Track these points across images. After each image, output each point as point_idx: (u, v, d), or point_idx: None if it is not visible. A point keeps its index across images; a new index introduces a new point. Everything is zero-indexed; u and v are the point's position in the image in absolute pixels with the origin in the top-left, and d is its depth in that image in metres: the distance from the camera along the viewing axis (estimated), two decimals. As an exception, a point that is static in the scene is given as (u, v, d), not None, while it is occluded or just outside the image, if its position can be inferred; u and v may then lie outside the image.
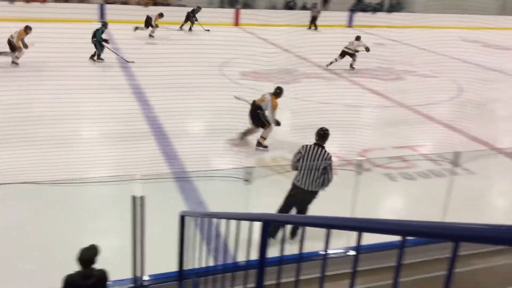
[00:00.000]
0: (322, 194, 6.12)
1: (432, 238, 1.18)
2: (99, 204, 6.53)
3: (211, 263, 3.79)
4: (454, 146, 8.22)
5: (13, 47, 13.18)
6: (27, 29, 13.26)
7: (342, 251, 4.66)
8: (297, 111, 10.46)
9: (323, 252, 1.94)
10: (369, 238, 1.59)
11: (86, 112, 9.71)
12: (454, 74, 14.49)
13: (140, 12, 20.88)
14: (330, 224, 1.67)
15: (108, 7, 22.76)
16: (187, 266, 4.18)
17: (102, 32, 14.51)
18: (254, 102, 8.50)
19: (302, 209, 5.54)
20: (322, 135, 5.59)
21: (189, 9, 21.80)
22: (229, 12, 24.96)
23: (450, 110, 11.52)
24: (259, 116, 8.38)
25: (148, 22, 19.28)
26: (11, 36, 13.11)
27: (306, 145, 5.55)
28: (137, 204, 4.01)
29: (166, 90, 9.19)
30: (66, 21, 17.63)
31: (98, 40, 14.32)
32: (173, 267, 4.39)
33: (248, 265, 2.70)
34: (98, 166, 7.44)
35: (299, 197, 5.41)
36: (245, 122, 8.57)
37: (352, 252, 4.59)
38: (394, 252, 1.56)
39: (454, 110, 11.51)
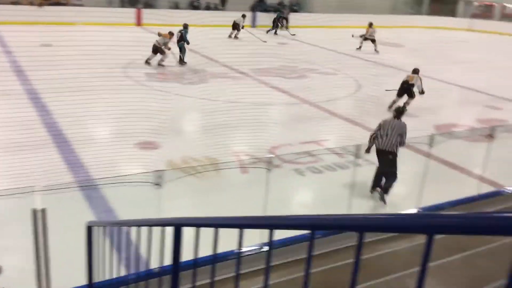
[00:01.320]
0: (234, 194, 6.16)
1: (338, 230, 1.23)
2: (-4, 220, 6.01)
3: (123, 272, 3.65)
4: (355, 139, 8.68)
5: (158, 51, 14.52)
6: (171, 34, 14.70)
7: (256, 247, 4.72)
8: (206, 111, 10.45)
9: (237, 251, 1.94)
10: (281, 233, 1.62)
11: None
12: (352, 71, 15.32)
13: (34, 13, 19.57)
14: (242, 224, 1.67)
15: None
16: (98, 278, 3.99)
17: (186, 33, 15.35)
18: (406, 81, 11.36)
19: (389, 172, 6.68)
20: (400, 112, 6.87)
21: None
22: (130, 12, 24.23)
23: (351, 106, 12.16)
24: (411, 90, 11.28)
25: (236, 26, 20.70)
26: (157, 41, 14.52)
27: (386, 119, 6.88)
28: (38, 218, 3.75)
29: (67, 94, 8.71)
30: None
31: (187, 42, 15.11)
32: (82, 280, 4.17)
33: (162, 271, 2.64)
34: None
35: (383, 160, 6.68)
36: (152, 126, 8.38)
37: (265, 248, 4.67)
38: (305, 244, 1.60)
39: (354, 105, 12.17)
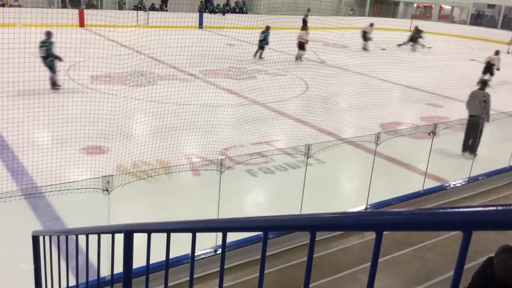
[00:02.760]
0: (187, 197, 6.10)
1: (291, 230, 1.24)
2: None
3: (72, 282, 3.53)
4: (305, 138, 8.82)
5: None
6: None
7: (210, 250, 4.70)
8: (155, 114, 10.29)
9: (191, 255, 1.92)
10: (235, 234, 1.61)
11: None
12: (300, 71, 15.55)
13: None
14: (195, 227, 1.66)
15: None
16: (46, 290, 3.83)
17: (268, 34, 16.83)
18: (488, 62, 15.41)
19: (476, 134, 8.53)
20: (484, 83, 9.06)
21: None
22: (73, 12, 23.48)
23: (300, 106, 12.34)
24: (491, 69, 14.77)
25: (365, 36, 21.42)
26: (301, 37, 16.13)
27: (474, 90, 8.95)
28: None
29: (6, 98, 8.31)
30: None
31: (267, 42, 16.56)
32: (29, 293, 3.99)
33: (114, 279, 2.57)
34: None
35: (471, 123, 8.70)
36: (99, 130, 8.14)
37: (219, 251, 4.66)
38: (259, 245, 1.61)
39: (302, 105, 12.36)
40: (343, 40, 20.36)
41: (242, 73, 15.57)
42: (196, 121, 9.64)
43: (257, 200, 7.55)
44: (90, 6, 25.67)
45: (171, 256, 2.02)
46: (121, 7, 27.45)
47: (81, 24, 23.41)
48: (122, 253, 2.30)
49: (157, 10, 26.50)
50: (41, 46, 11.75)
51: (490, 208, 0.91)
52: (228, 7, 29.38)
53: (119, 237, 2.35)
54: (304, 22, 23.08)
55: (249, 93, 12.86)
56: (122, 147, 8.17)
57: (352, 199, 6.99)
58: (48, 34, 11.97)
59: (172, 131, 9.05)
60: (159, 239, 1.99)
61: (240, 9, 30.04)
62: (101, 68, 12.25)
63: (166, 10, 26.46)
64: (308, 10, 27.62)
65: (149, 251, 2.10)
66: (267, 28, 17.20)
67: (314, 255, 1.33)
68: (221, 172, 5.11)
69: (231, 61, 16.08)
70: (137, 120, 9.86)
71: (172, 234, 1.88)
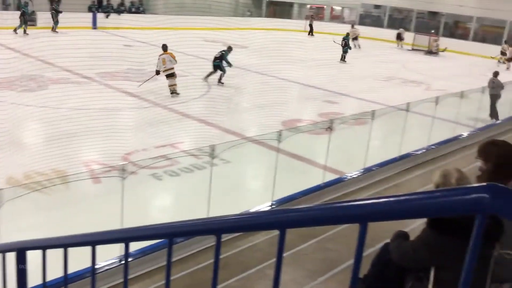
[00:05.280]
0: (88, 207, 5.82)
1: (196, 235, 1.22)
2: None
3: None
4: (210, 139, 8.81)
5: None
6: None
7: (115, 260, 4.51)
8: (48, 120, 9.65)
9: (92, 268, 1.82)
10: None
11: None
12: (201, 72, 15.50)
13: None
14: (95, 240, 1.57)
15: None
16: None
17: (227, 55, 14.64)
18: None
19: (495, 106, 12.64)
20: (497, 73, 12.86)
21: None
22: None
23: (202, 106, 12.30)
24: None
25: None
26: None
27: (492, 77, 12.74)
28: None
29: None
30: None
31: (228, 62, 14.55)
32: None
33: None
34: None
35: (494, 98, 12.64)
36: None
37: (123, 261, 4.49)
38: (166, 251, 1.57)
39: (205, 105, 12.34)
40: (242, 40, 20.67)
41: (142, 75, 15.17)
42: (94, 126, 9.21)
43: (163, 204, 7.40)
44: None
45: (72, 270, 1.90)
46: (6, 7, 25.29)
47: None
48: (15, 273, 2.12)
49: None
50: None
51: (383, 200, 0.97)
52: (123, 7, 28.43)
53: (11, 256, 2.16)
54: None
55: (150, 95, 12.56)
56: (12, 157, 7.57)
57: (258, 197, 7.11)
58: None
59: (68, 138, 8.56)
60: (61, 253, 1.87)
61: (137, 9, 29.23)
62: None
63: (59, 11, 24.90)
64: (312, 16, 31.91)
65: (44, 268, 1.95)
66: (229, 48, 15.16)
67: (223, 255, 1.33)
68: (123, 178, 4.92)
69: (129, 62, 15.59)
70: (28, 127, 9.20)
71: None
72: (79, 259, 2.01)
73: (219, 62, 14.69)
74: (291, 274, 4.24)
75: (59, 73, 14.15)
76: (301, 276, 4.25)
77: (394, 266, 2.86)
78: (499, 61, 26.27)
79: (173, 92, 12.88)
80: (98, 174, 7.15)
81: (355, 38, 27.45)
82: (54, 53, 14.04)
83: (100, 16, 26.27)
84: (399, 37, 30.41)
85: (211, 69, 14.81)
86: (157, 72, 13.10)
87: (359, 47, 26.91)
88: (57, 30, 22.39)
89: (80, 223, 5.48)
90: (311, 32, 31.99)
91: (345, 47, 22.00)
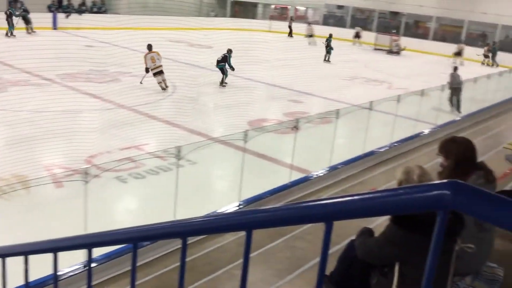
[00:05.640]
0: (50, 212, 5.66)
1: (161, 239, 1.20)
2: None
3: None
4: (176, 140, 8.72)
5: None
6: None
7: (79, 266, 4.40)
8: (7, 124, 9.34)
9: (54, 276, 1.77)
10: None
11: None
12: (167, 72, 15.32)
13: None
14: (56, 247, 1.52)
15: None
16: None
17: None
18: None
19: (459, 96, 13.42)
20: (456, 68, 14.22)
21: None
22: None
23: (168, 107, 12.17)
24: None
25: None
26: None
27: (452, 72, 13.74)
28: None
29: None
30: None
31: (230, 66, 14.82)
32: None
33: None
34: None
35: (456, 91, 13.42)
36: None
37: (93, 265, 4.38)
38: (131, 255, 1.54)
39: (171, 106, 12.21)
40: (207, 40, 20.57)
41: (105, 75, 14.88)
42: (55, 129, 8.96)
43: (129, 208, 7.28)
44: None
45: (34, 277, 1.84)
46: None
47: None
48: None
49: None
50: None
51: (348, 198, 0.97)
52: (84, 7, 27.82)
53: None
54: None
55: (113, 97, 12.33)
56: (-31, 163, 7.28)
57: (225, 197, 7.08)
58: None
59: (29, 141, 8.30)
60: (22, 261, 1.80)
61: (98, 9, 28.66)
62: None
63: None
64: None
65: (4, 277, 1.88)
66: (229, 51, 15.38)
67: (190, 258, 1.31)
68: (86, 182, 4.81)
69: (91, 63, 15.26)
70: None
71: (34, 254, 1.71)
72: (42, 265, 1.95)
73: (223, 65, 15.04)
74: (260, 273, 4.25)
75: (18, 75, 13.71)
76: (269, 275, 4.26)
77: (360, 263, 2.90)
78: (482, 63, 27.39)
79: (164, 87, 13.72)
80: (60, 178, 6.96)
81: (310, 36, 28.95)
82: (12, 54, 13.60)
83: (61, 16, 25.60)
84: (357, 36, 31.31)
85: (218, 72, 15.12)
86: (147, 70, 13.71)
87: (315, 44, 27.77)
88: (14, 33, 21.53)
89: (42, 229, 5.32)
90: (290, 33, 32.40)
91: (328, 47, 22.94)
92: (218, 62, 15.13)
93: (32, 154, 7.82)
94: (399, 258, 2.59)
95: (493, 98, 14.59)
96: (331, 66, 21.82)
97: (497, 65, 26.00)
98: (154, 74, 13.74)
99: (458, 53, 27.26)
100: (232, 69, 15.23)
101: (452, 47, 28.24)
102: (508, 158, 7.52)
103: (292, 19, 34.32)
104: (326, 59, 22.93)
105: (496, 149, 8.44)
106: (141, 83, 13.92)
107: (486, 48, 27.63)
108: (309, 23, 31.46)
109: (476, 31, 32.04)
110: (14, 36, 21.03)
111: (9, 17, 21.12)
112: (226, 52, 15.42)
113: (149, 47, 14.08)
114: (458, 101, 13.48)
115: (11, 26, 21.15)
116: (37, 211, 6.40)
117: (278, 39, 29.71)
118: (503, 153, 7.93)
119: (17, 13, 21.83)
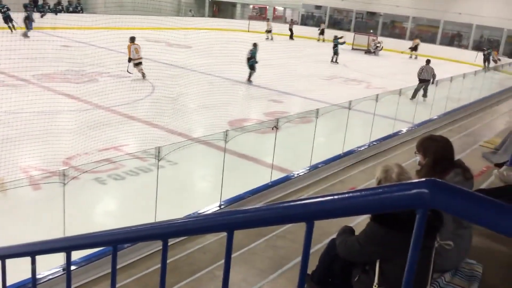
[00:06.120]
0: (27, 215, 5.56)
1: (141, 241, 1.19)
2: None
3: None
4: (156, 141, 8.65)
5: None
6: None
7: (59, 269, 4.33)
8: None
9: (32, 279, 1.73)
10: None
11: None
12: (145, 72, 15.21)
13: None
14: (34, 251, 1.49)
15: None
16: None
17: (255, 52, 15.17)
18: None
19: (426, 88, 14.76)
20: (429, 61, 15.89)
21: None
22: None
23: (147, 108, 12.07)
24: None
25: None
26: None
27: (423, 65, 15.31)
28: None
29: None
30: None
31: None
32: None
33: None
34: None
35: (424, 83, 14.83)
36: None
37: (72, 268, 4.32)
38: (110, 258, 1.52)
39: (150, 107, 12.11)
40: (186, 40, 20.46)
41: (82, 76, 14.67)
42: (32, 130, 8.80)
43: (108, 209, 7.19)
44: None
45: (12, 282, 1.80)
46: None
47: None
48: None
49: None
50: None
51: (328, 198, 0.98)
52: (60, 6, 27.39)
53: None
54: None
55: (91, 97, 12.16)
56: None
57: (206, 198, 7.06)
58: None
59: (4, 143, 8.13)
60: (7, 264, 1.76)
61: (75, 9, 28.26)
62: None
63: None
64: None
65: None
66: (255, 45, 15.53)
67: (171, 259, 1.30)
68: (64, 184, 4.73)
69: (67, 63, 15.03)
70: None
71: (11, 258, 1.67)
72: (19, 269, 1.91)
73: (254, 61, 15.34)
74: (243, 273, 4.24)
75: (-9, 75, 13.43)
76: (251, 275, 4.25)
77: (341, 261, 2.92)
78: (410, 56, 28.19)
79: (144, 74, 14.92)
80: (37, 180, 6.85)
81: (269, 31, 30.65)
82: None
83: (36, 15, 25.16)
84: (322, 33, 32.05)
85: (247, 70, 15.52)
86: (130, 60, 14.73)
87: (272, 39, 29.97)
88: None
89: (19, 233, 5.22)
90: (291, 36, 32.47)
91: (335, 48, 23.26)
92: (248, 59, 15.43)
93: (8, 156, 7.66)
94: (380, 255, 2.61)
95: (469, 97, 14.88)
96: (310, 66, 21.91)
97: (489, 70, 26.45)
98: (135, 65, 14.60)
99: (414, 48, 28.17)
100: (256, 62, 15.65)
101: (427, 47, 28.75)
102: (484, 156, 7.67)
103: (292, 22, 34.54)
104: (334, 60, 23.22)
105: (473, 147, 8.59)
106: (128, 71, 14.44)
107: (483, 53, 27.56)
108: (268, 19, 32.68)
109: (451, 31, 32.63)
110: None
111: None
112: (252, 47, 15.55)
113: (132, 39, 14.83)
114: (425, 91, 14.79)
115: None
116: (13, 214, 6.28)
117: (257, 39, 29.76)
118: (480, 151, 8.08)
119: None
